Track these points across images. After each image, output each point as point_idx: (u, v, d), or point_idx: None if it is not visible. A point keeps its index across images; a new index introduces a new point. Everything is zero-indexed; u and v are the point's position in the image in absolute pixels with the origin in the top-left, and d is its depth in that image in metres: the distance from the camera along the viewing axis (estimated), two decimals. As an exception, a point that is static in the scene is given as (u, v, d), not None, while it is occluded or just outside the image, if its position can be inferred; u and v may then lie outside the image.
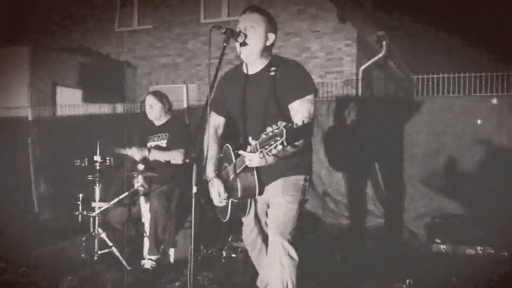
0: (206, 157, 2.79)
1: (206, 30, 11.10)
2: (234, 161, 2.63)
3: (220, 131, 2.93)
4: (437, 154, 5.38)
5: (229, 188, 2.71)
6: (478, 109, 5.24)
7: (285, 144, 2.05)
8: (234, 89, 2.78)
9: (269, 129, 2.12)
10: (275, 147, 2.08)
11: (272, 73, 2.63)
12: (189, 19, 11.93)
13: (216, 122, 2.92)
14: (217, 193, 2.74)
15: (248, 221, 2.93)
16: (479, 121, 5.23)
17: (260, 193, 2.65)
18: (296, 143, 2.20)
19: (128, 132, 4.39)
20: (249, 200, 2.78)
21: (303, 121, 2.12)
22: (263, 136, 2.14)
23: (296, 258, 2.62)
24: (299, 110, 2.52)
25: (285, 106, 2.58)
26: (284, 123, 2.06)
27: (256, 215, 2.89)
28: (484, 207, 4.92)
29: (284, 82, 2.60)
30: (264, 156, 2.26)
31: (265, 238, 2.87)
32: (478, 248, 4.68)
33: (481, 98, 5.70)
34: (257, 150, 2.21)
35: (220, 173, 2.82)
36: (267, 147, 2.11)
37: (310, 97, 2.57)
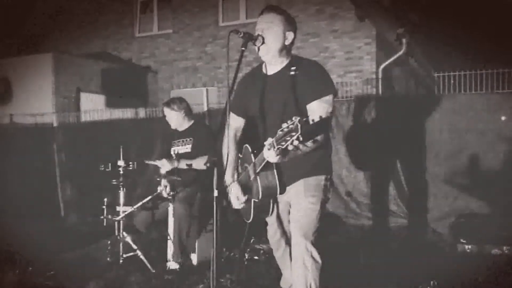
0: (227, 161, 2.82)
1: (225, 33, 11.22)
2: (253, 161, 2.63)
3: (239, 135, 2.95)
4: (460, 152, 5.30)
5: (251, 188, 2.71)
6: (501, 106, 5.15)
7: (300, 139, 2.05)
8: (254, 90, 2.79)
9: (284, 125, 2.12)
10: (291, 143, 2.09)
11: (292, 73, 2.63)
12: (208, 23, 12.01)
13: (236, 124, 2.94)
14: (235, 197, 2.79)
15: (271, 222, 2.95)
16: (503, 118, 5.14)
17: (282, 191, 2.64)
18: (316, 138, 2.20)
19: (151, 139, 4.43)
20: (271, 200, 2.79)
21: (320, 116, 2.10)
22: (279, 132, 2.15)
23: (319, 260, 2.63)
24: (317, 111, 2.50)
25: (304, 106, 2.58)
26: (299, 118, 2.05)
27: (278, 216, 2.90)
28: (510, 206, 4.82)
29: (303, 82, 2.60)
30: (280, 153, 2.27)
31: (288, 240, 2.88)
32: (504, 247, 4.58)
33: (504, 95, 5.60)
34: (274, 147, 2.22)
35: (238, 178, 2.83)
36: (283, 143, 2.12)
37: (328, 97, 2.56)
